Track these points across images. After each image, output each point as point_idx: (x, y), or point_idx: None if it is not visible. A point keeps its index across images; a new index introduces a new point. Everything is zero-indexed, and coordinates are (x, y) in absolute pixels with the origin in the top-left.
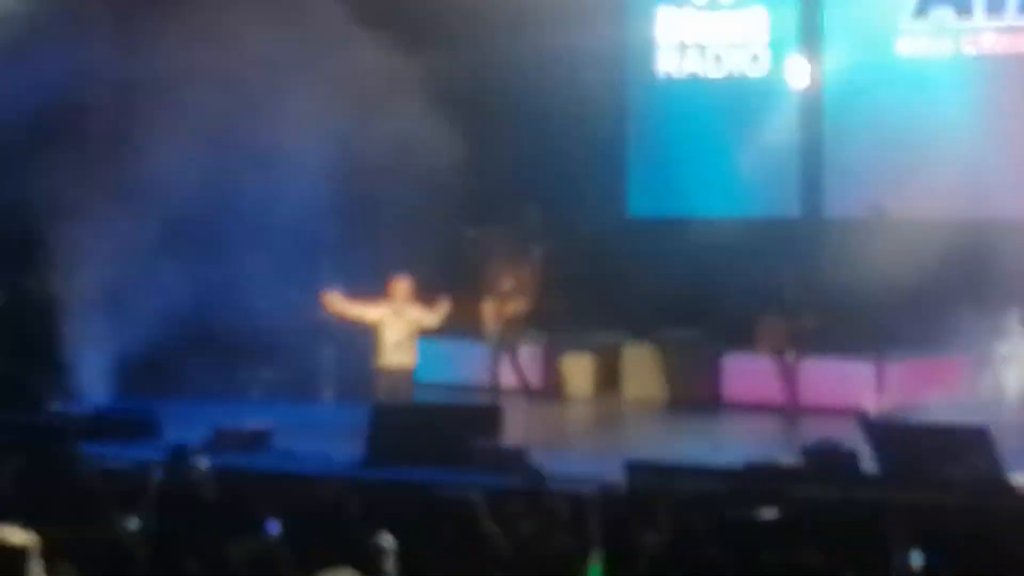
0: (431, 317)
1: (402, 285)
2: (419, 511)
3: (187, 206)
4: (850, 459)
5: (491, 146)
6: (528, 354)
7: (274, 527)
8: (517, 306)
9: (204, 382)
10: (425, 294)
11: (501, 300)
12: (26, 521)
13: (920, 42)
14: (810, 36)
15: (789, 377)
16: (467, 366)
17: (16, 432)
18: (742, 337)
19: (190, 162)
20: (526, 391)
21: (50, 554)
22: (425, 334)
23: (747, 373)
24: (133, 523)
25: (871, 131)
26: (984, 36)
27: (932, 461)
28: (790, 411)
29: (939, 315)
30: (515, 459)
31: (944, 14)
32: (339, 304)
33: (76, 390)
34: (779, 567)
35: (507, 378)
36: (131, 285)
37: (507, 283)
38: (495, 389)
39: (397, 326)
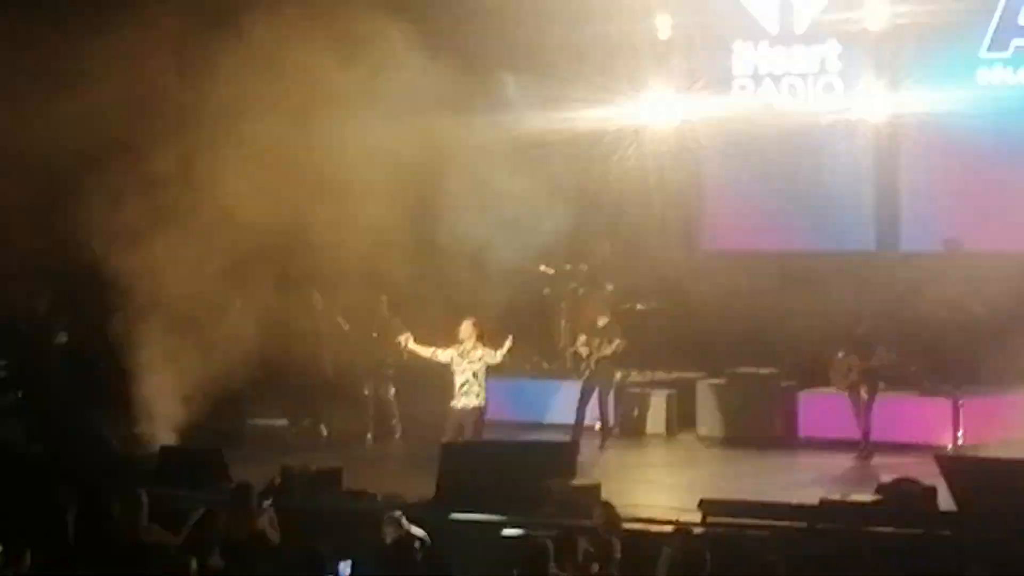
0: (496, 355)
1: (467, 326)
2: (487, 552)
3: (254, 239)
4: (927, 496)
5: (562, 180)
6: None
7: (345, 568)
8: (611, 342)
9: (275, 421)
10: (495, 331)
11: (598, 337)
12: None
13: (998, 73)
14: (887, 67)
15: (863, 414)
16: (540, 403)
17: (81, 473)
18: (817, 373)
19: (259, 196)
20: (605, 429)
21: None
22: (493, 372)
23: (822, 409)
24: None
25: (948, 162)
26: None
27: (1011, 498)
28: (864, 448)
29: (1018, 351)
30: (589, 498)
31: (1022, 44)
32: (412, 347)
33: (143, 433)
34: None
35: (589, 416)
36: (198, 323)
37: (602, 319)
38: (579, 426)
39: (464, 367)
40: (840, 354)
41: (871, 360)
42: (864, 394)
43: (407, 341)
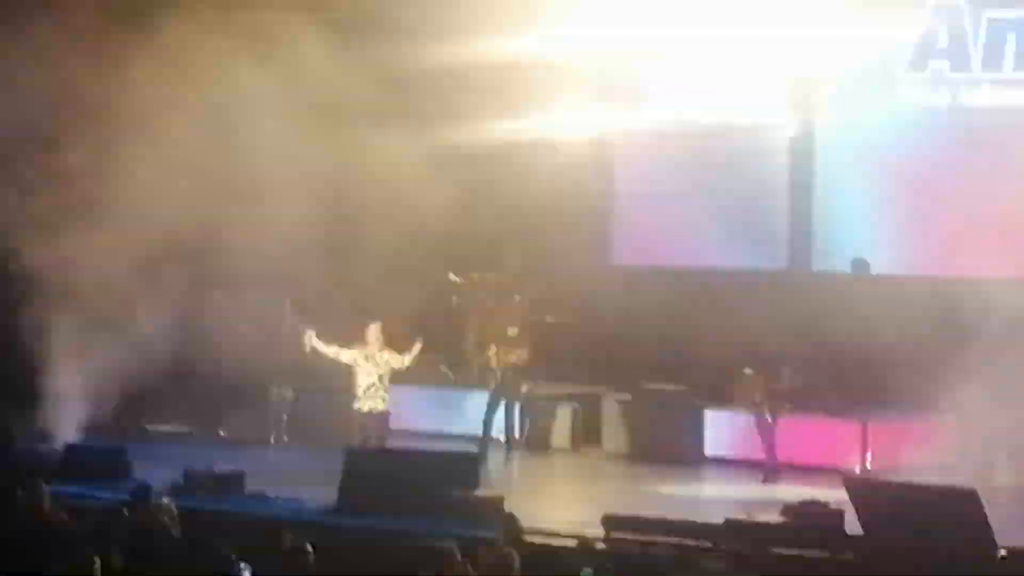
0: (403, 360)
1: (374, 329)
2: (393, 559)
3: (166, 241)
4: (834, 518)
5: (475, 190)
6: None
7: (244, 571)
8: (521, 353)
9: (176, 422)
10: (404, 338)
11: (506, 346)
12: None
13: (917, 92)
14: (801, 83)
15: (768, 435)
16: (446, 413)
17: None
18: (724, 391)
19: (171, 196)
20: (511, 441)
21: None
22: (400, 379)
23: (730, 429)
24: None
25: (863, 182)
26: (982, 88)
27: (919, 521)
28: (770, 470)
29: (927, 375)
30: (491, 509)
31: (941, 65)
32: (316, 344)
33: (47, 428)
34: None
35: (495, 427)
36: (106, 321)
37: (512, 329)
38: (486, 437)
39: (369, 370)
40: (746, 372)
41: (776, 381)
42: (768, 416)
43: (310, 339)
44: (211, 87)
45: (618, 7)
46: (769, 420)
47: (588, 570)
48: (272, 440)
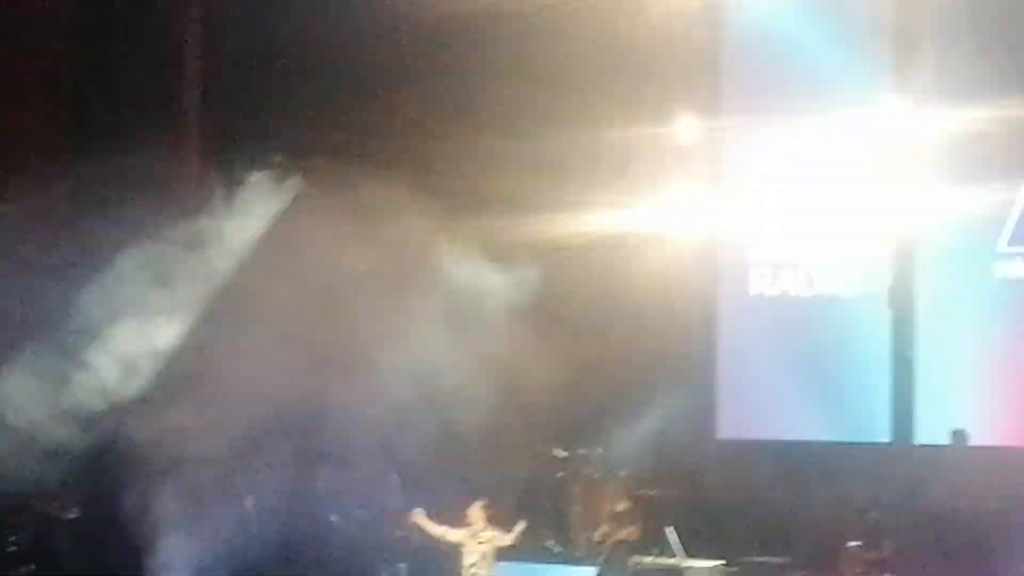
0: (507, 538)
1: (476, 509)
2: None
3: (270, 417)
4: None
5: (581, 366)
6: None
7: None
8: (629, 529)
9: None
10: (510, 514)
11: (614, 522)
12: None
13: (1016, 266)
14: (904, 257)
15: None
16: None
17: None
18: (828, 563)
19: (274, 373)
20: None
21: None
22: (506, 554)
23: None
24: None
25: (963, 355)
26: None
27: None
28: None
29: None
30: None
31: None
32: (424, 524)
33: None
34: None
35: None
36: (209, 500)
37: (620, 505)
38: None
39: (473, 548)
40: (850, 544)
41: (879, 552)
42: None
43: (417, 518)
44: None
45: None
46: None
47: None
48: None
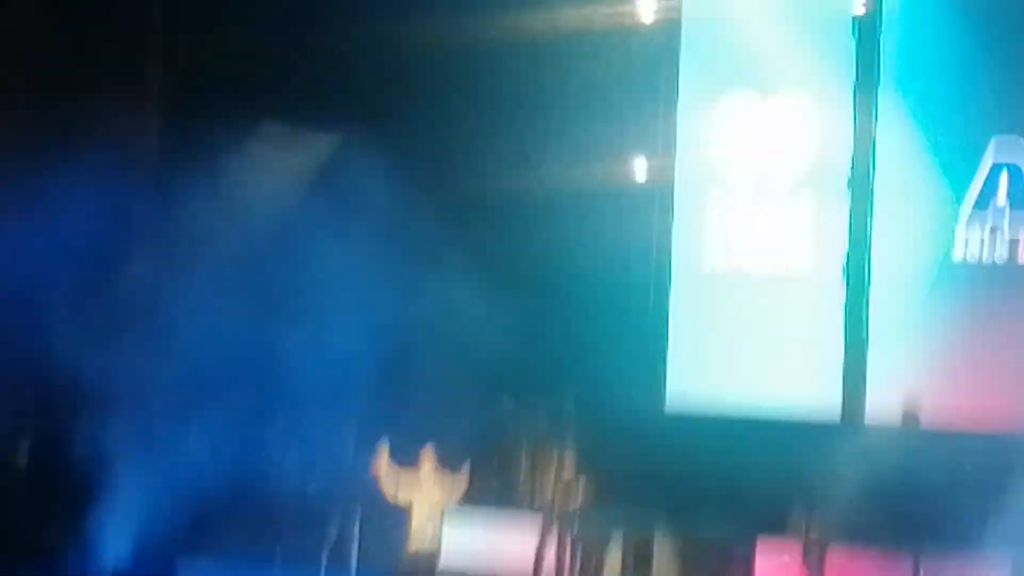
0: (456, 480)
1: (429, 453)
2: None
3: (222, 361)
4: None
5: (533, 320)
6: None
7: None
8: (574, 490)
9: (231, 546)
10: (456, 464)
11: (559, 482)
12: None
13: (972, 248)
14: (859, 236)
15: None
16: (494, 552)
17: None
18: (775, 532)
19: (227, 317)
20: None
21: None
22: (450, 516)
23: (779, 570)
24: None
25: (916, 337)
26: None
27: None
28: None
29: (978, 513)
30: None
31: (999, 220)
32: (384, 469)
33: (98, 548)
34: None
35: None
36: (162, 441)
37: (568, 471)
38: (538, 573)
39: (423, 496)
40: (795, 521)
41: (823, 531)
42: (811, 561)
43: (382, 453)
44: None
45: None
46: (813, 566)
47: None
48: (324, 565)
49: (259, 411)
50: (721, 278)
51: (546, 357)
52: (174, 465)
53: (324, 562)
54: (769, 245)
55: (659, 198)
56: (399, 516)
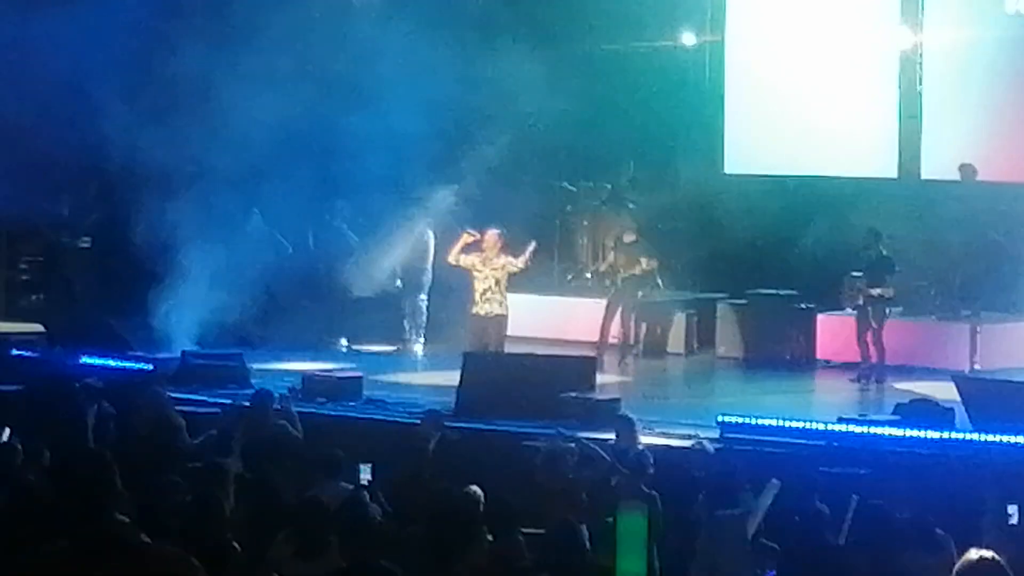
0: (518, 262)
1: (492, 235)
2: (513, 461)
3: (282, 144)
4: (945, 417)
5: (589, 100)
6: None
7: (365, 472)
8: (636, 261)
9: (296, 330)
10: (520, 245)
11: (625, 254)
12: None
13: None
14: None
15: (875, 338)
16: (562, 320)
17: (104, 376)
18: (832, 295)
19: (274, 101)
20: (626, 346)
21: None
22: (515, 287)
23: (840, 332)
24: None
25: (971, 91)
26: None
27: None
28: (877, 372)
29: None
30: (608, 412)
31: None
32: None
33: (165, 336)
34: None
35: (611, 332)
36: (224, 225)
37: (629, 237)
38: (603, 343)
39: (487, 274)
40: (851, 275)
41: (878, 289)
42: (873, 320)
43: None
44: None
45: None
46: (874, 325)
47: (775, 481)
48: (392, 347)
49: (321, 196)
50: (775, 35)
51: (606, 129)
52: (237, 250)
53: (396, 342)
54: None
55: None
56: (466, 292)
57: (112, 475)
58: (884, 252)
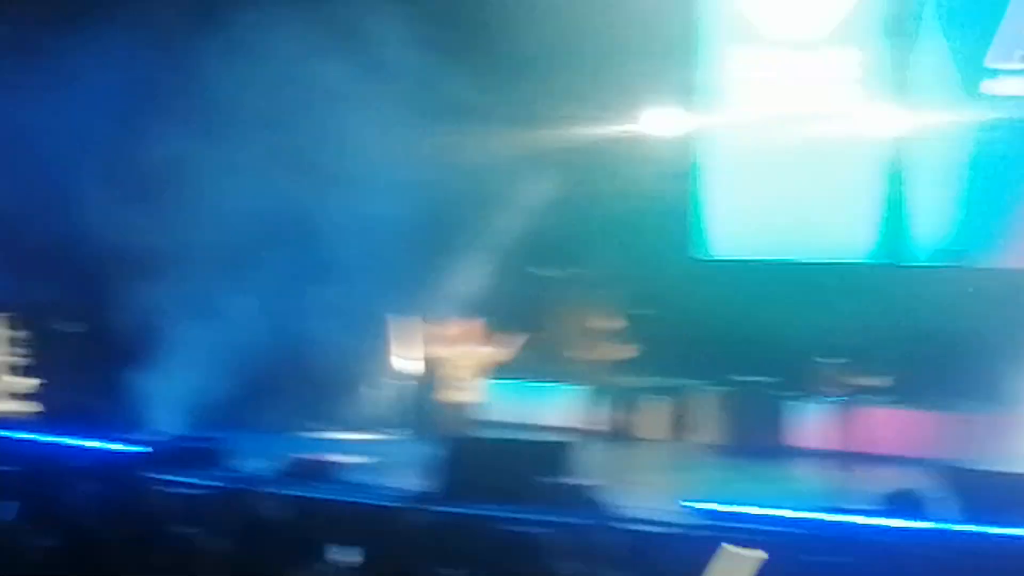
0: (498, 355)
1: (471, 325)
2: (489, 546)
3: (260, 232)
4: (932, 507)
5: (562, 186)
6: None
7: (346, 556)
8: (610, 348)
9: (276, 416)
10: (493, 332)
11: (596, 341)
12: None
13: (1008, 83)
14: (898, 76)
15: (844, 424)
16: (537, 405)
17: (87, 460)
18: (811, 382)
19: (260, 187)
20: (602, 432)
21: None
22: (493, 372)
23: (819, 419)
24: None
25: (956, 175)
26: None
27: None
28: (853, 459)
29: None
30: (585, 496)
31: None
32: (423, 333)
33: (148, 420)
34: None
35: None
36: (205, 314)
37: (600, 324)
38: (577, 429)
39: (464, 364)
40: (829, 363)
41: (858, 377)
42: (852, 409)
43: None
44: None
45: None
46: (847, 410)
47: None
48: (369, 431)
49: (295, 281)
50: (751, 124)
51: (577, 216)
52: (214, 333)
53: (366, 427)
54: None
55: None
56: (439, 379)
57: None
58: (864, 340)
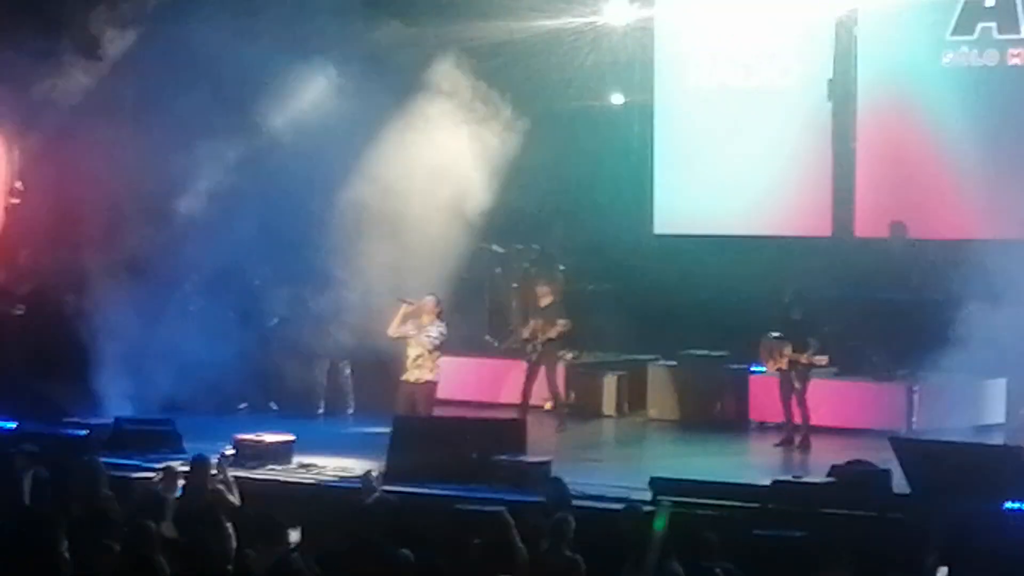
0: (444, 329)
1: (430, 301)
2: (444, 525)
3: (207, 215)
4: (881, 478)
5: (517, 162)
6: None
7: (294, 536)
8: (557, 324)
9: (228, 397)
10: (448, 309)
11: (542, 318)
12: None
13: (963, 55)
14: (845, 48)
15: (798, 400)
16: (492, 383)
17: (38, 442)
18: (759, 356)
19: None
20: (556, 407)
21: None
22: (445, 348)
23: (773, 392)
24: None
25: (907, 146)
26: None
27: (966, 480)
28: (797, 431)
29: (969, 335)
30: (539, 474)
31: (989, 27)
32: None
33: (98, 402)
34: None
35: (537, 394)
36: (157, 297)
37: (546, 300)
38: (525, 405)
39: (420, 341)
40: (772, 335)
41: (802, 354)
42: (796, 383)
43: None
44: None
45: None
46: (797, 387)
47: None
48: (321, 411)
49: (245, 262)
50: (704, 93)
51: (535, 190)
52: (171, 316)
53: (322, 409)
54: (752, 56)
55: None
56: (397, 359)
57: (57, 538)
58: (807, 314)
